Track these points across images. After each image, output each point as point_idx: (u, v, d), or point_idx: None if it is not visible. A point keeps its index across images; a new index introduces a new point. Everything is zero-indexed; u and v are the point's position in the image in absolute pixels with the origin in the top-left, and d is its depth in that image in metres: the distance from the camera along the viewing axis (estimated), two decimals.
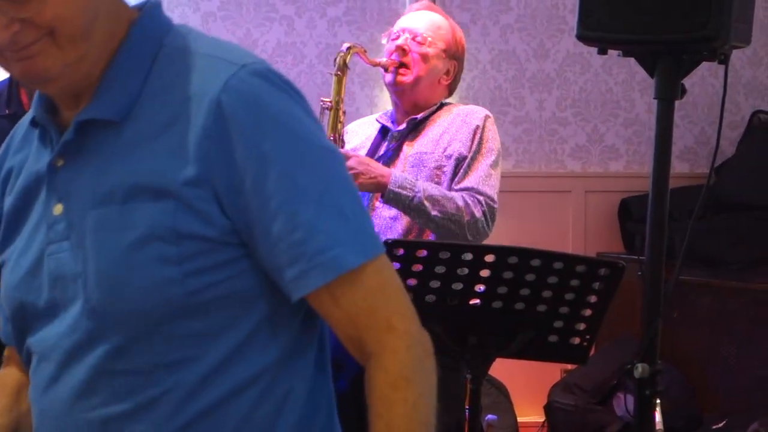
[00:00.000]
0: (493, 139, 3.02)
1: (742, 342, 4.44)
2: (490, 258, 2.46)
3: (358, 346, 1.32)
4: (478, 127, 3.00)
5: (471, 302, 2.51)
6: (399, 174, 2.89)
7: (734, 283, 4.52)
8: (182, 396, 1.28)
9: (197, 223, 1.25)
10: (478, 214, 2.89)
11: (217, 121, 1.25)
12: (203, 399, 1.29)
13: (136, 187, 1.26)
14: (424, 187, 2.87)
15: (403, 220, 2.93)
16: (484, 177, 2.96)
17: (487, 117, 3.04)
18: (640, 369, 2.47)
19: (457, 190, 2.94)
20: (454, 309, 2.50)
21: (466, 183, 2.95)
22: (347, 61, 3.04)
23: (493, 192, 2.96)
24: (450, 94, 3.18)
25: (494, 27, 4.98)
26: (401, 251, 2.47)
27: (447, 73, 3.10)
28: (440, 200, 2.86)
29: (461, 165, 2.97)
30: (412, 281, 2.47)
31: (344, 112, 3.04)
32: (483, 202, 2.91)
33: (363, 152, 3.09)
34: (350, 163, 2.85)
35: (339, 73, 3.03)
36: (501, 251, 2.51)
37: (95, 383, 1.30)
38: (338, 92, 3.03)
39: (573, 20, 2.59)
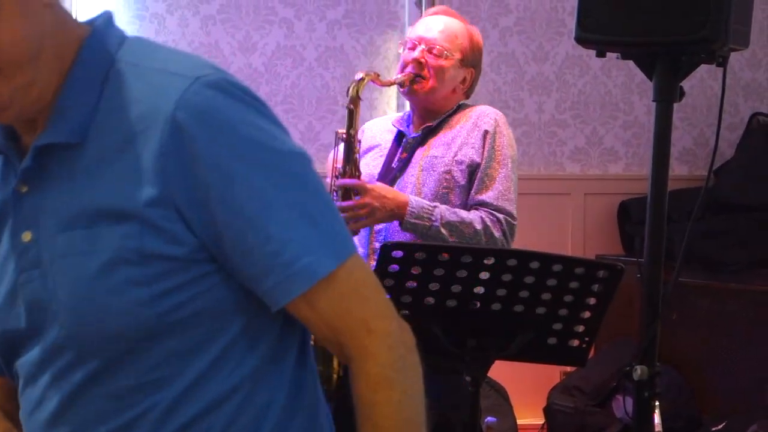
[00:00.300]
0: (507, 145, 3.01)
1: (741, 343, 4.44)
2: (489, 260, 2.46)
3: (339, 349, 1.31)
4: (488, 132, 2.99)
5: (470, 304, 2.51)
6: (416, 203, 2.88)
7: (733, 285, 4.53)
8: (159, 416, 1.27)
9: (164, 244, 1.24)
10: (497, 234, 2.90)
11: (173, 137, 1.23)
12: (181, 417, 1.28)
13: (100, 210, 1.25)
14: (442, 214, 2.87)
15: None
16: (502, 191, 2.95)
17: (497, 121, 3.02)
18: (639, 371, 2.47)
19: (475, 204, 2.94)
20: (453, 311, 2.50)
21: (485, 197, 2.94)
22: (360, 92, 2.99)
23: (512, 207, 2.96)
24: (467, 97, 3.17)
25: (493, 30, 4.98)
26: (400, 253, 2.47)
27: (463, 81, 3.09)
28: (458, 226, 2.87)
29: (475, 172, 2.96)
30: (411, 283, 2.48)
31: (359, 142, 3.02)
32: (502, 221, 2.92)
33: (377, 152, 3.09)
34: (366, 200, 2.86)
35: (351, 106, 2.99)
36: (500, 253, 2.51)
37: (68, 409, 1.29)
38: (351, 125, 2.99)
39: (572, 23, 2.60)
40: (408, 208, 2.85)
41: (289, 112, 4.80)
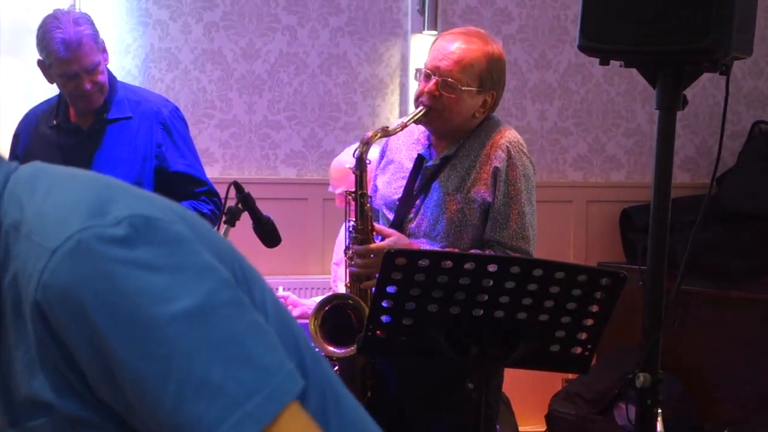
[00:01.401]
0: (520, 176, 2.94)
1: (743, 351, 4.45)
2: (492, 268, 2.46)
3: None
4: (498, 170, 2.94)
5: (473, 312, 2.51)
6: None
7: (735, 293, 4.53)
8: None
9: (93, 429, 1.10)
10: None
11: (41, 325, 1.07)
12: None
13: (30, 401, 1.12)
14: None
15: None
16: (517, 230, 2.93)
17: (509, 151, 2.95)
18: (641, 379, 2.47)
19: (489, 241, 2.93)
20: (457, 318, 2.50)
21: (499, 237, 2.93)
22: (365, 155, 2.97)
23: (527, 244, 2.94)
24: (492, 112, 3.08)
25: (496, 37, 4.98)
26: (403, 261, 2.47)
27: (483, 104, 3.01)
28: None
29: (488, 211, 2.94)
30: (415, 291, 2.48)
31: (370, 198, 3.02)
32: None
33: (397, 172, 3.08)
34: (378, 260, 2.85)
35: (358, 172, 2.99)
36: (503, 261, 2.51)
37: None
38: (361, 186, 3.00)
39: (575, 31, 2.60)
40: None
41: (291, 119, 4.81)
